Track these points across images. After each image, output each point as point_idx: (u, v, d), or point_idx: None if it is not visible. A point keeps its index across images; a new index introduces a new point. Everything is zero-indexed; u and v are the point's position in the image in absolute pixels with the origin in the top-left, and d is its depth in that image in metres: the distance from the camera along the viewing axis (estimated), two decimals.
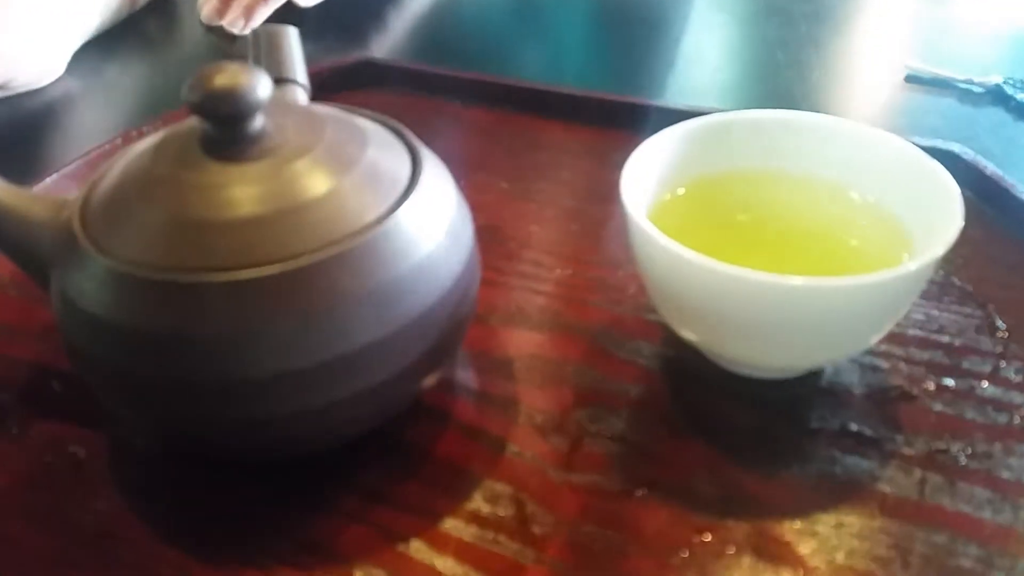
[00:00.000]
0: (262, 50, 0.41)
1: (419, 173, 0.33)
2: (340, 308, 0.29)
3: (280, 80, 0.41)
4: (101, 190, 0.33)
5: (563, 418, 0.36)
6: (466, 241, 0.35)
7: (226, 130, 0.31)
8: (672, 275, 0.34)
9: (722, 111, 0.53)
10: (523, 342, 0.40)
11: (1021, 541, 0.31)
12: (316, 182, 0.31)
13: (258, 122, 0.32)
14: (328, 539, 0.32)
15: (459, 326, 0.34)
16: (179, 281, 0.29)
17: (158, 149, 0.33)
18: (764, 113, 0.40)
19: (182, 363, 0.29)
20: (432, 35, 0.55)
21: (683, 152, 0.39)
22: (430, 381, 0.34)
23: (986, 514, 0.32)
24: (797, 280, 0.31)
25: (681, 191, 0.39)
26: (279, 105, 0.34)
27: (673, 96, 0.63)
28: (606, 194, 0.50)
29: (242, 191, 0.30)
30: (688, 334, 0.36)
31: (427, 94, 0.60)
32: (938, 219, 0.34)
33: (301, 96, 0.41)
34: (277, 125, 0.33)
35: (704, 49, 0.71)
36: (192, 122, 0.33)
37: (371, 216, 0.31)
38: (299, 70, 0.42)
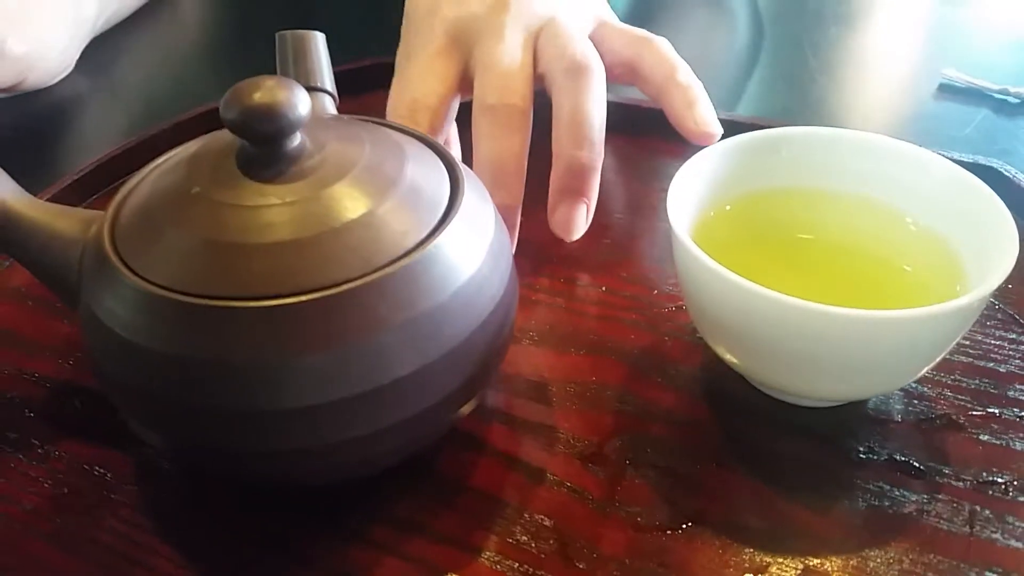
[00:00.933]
0: (289, 57, 0.40)
1: (459, 193, 0.32)
2: (378, 338, 0.28)
3: (308, 89, 0.40)
4: (131, 206, 0.32)
5: (603, 446, 0.35)
6: (506, 262, 0.34)
7: (264, 149, 0.30)
8: (718, 299, 0.33)
9: (758, 120, 0.53)
10: (558, 364, 0.39)
11: None
12: (356, 204, 0.30)
13: (297, 140, 0.31)
14: (360, 571, 0.31)
15: (499, 351, 0.33)
16: (213, 306, 0.28)
17: (191, 164, 0.32)
18: (815, 130, 0.39)
19: (213, 391, 0.28)
20: None
21: (730, 168, 0.38)
22: (467, 409, 0.33)
23: None
24: (848, 311, 0.30)
25: (728, 208, 0.38)
26: (316, 120, 0.33)
27: None
28: (641, 205, 0.49)
29: (280, 214, 0.29)
30: (731, 359, 0.35)
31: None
32: (992, 248, 0.33)
33: (329, 105, 0.40)
34: (316, 142, 0.31)
35: (732, 50, 0.70)
36: (226, 136, 0.32)
37: (411, 240, 0.30)
38: (327, 78, 0.41)
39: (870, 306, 0.30)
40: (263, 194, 0.30)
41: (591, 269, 0.45)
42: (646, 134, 0.54)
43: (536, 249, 0.46)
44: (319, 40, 0.41)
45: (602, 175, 0.52)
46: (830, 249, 0.38)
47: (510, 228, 0.43)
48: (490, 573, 0.31)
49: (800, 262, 0.38)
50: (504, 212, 0.40)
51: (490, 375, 0.33)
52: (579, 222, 0.44)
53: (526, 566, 0.31)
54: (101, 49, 0.68)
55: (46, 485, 0.35)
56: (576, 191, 0.43)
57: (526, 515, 0.33)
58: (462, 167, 0.34)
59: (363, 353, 0.28)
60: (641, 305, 0.42)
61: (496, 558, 0.31)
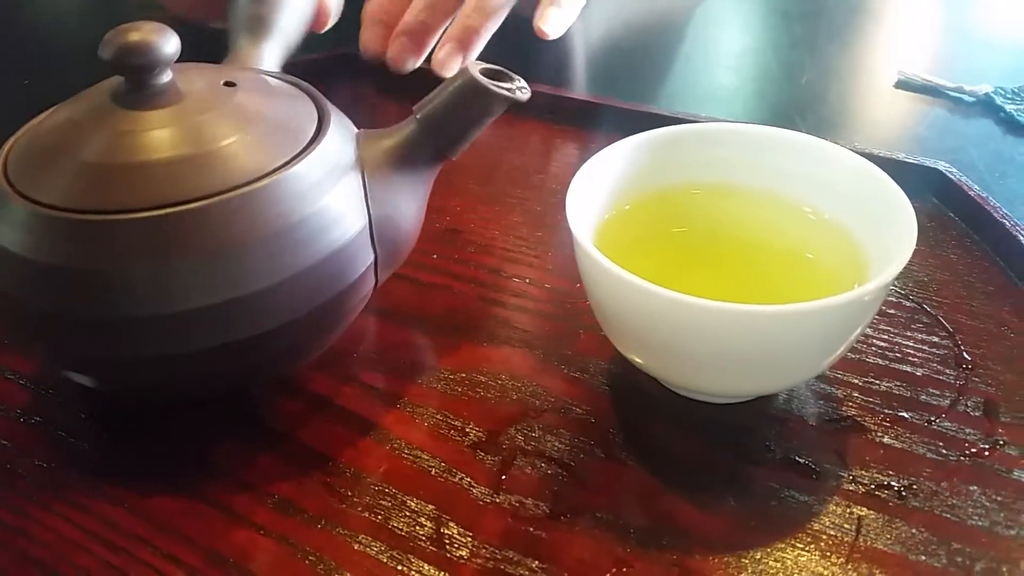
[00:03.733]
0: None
1: (323, 132, 0.35)
2: (233, 252, 0.31)
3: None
4: (22, 141, 0.35)
5: (498, 435, 0.35)
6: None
7: (134, 82, 0.33)
8: (615, 298, 0.33)
9: (701, 114, 0.52)
10: (469, 353, 0.39)
11: None
12: (219, 131, 0.32)
13: (166, 77, 0.33)
14: (237, 552, 0.31)
15: (359, 282, 0.35)
16: (82, 220, 0.31)
17: (76, 102, 0.35)
18: (716, 126, 0.38)
19: (92, 298, 0.31)
20: None
21: (633, 166, 0.38)
22: (325, 340, 0.36)
23: (921, 557, 0.31)
24: (739, 307, 0.30)
25: (628, 207, 0.38)
26: (198, 68, 0.36)
27: (657, 97, 0.61)
28: None
29: (145, 137, 0.32)
30: (633, 357, 0.35)
31: (404, 89, 0.59)
32: (893, 241, 0.33)
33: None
34: (188, 82, 0.34)
35: (694, 49, 0.69)
36: (112, 80, 0.34)
37: (268, 167, 0.32)
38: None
39: (775, 298, 0.30)
40: (131, 120, 0.32)
41: (518, 261, 0.45)
42: (591, 127, 0.54)
43: (468, 239, 0.46)
44: None
45: (544, 167, 0.52)
46: (734, 243, 0.38)
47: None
48: (360, 556, 0.31)
49: (704, 258, 0.38)
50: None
51: (346, 310, 0.35)
52: (454, 65, 0.56)
53: (397, 550, 0.31)
54: None
55: None
56: (461, 42, 0.56)
57: (407, 500, 0.33)
58: (333, 112, 0.36)
59: (223, 264, 0.31)
60: (561, 297, 0.42)
61: (369, 541, 0.32)
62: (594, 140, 0.54)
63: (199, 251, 0.30)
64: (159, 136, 0.32)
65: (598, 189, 0.36)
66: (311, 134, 0.34)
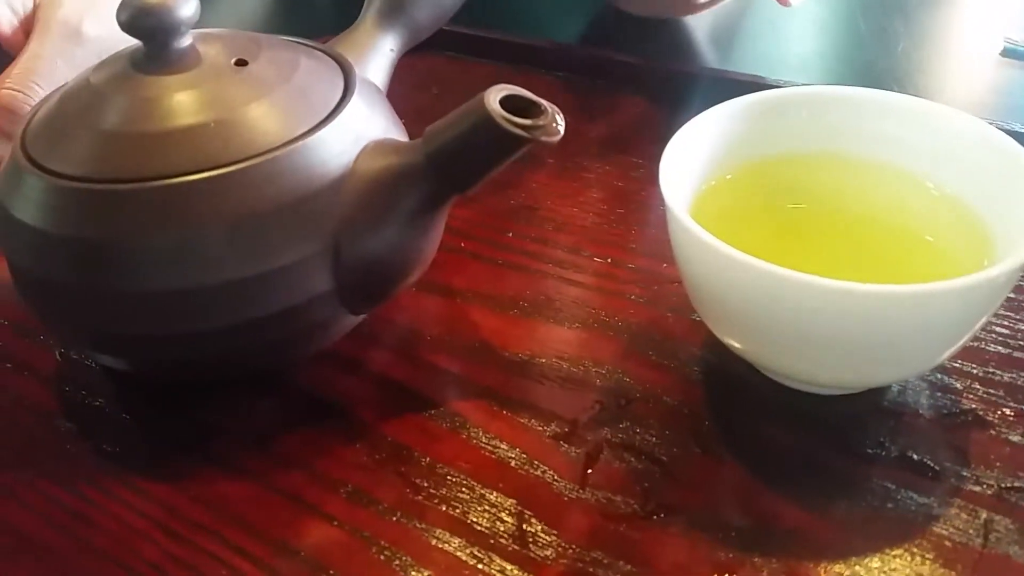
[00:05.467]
0: None
1: (348, 98, 0.33)
2: (255, 221, 0.29)
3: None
4: (41, 112, 0.33)
5: (583, 426, 0.33)
6: None
7: (152, 46, 0.32)
8: (713, 275, 0.30)
9: (794, 84, 0.49)
10: (549, 338, 0.37)
11: None
12: (240, 97, 0.31)
13: (185, 41, 0.32)
14: (308, 544, 0.30)
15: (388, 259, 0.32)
16: (96, 191, 0.30)
17: (96, 68, 0.33)
18: (824, 89, 0.35)
19: (104, 271, 0.30)
20: None
21: (732, 133, 0.35)
22: (353, 316, 0.34)
23: None
24: (854, 285, 0.27)
25: (729, 177, 0.35)
26: (220, 34, 0.35)
27: (743, 67, 0.58)
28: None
29: (162, 103, 0.31)
30: (732, 342, 0.32)
31: (470, 58, 0.57)
32: None
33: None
34: (211, 48, 0.33)
35: (779, 14, 0.65)
36: (130, 48, 0.33)
37: (289, 134, 0.31)
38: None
39: (888, 280, 0.27)
40: (149, 85, 0.31)
41: (599, 240, 0.42)
42: (674, 97, 0.51)
43: (544, 216, 0.44)
44: None
45: (625, 139, 0.49)
46: (845, 219, 0.35)
47: None
48: (437, 553, 0.29)
49: (811, 234, 0.35)
50: None
51: (385, 284, 0.33)
52: None
53: (477, 547, 0.29)
54: None
55: None
56: None
57: (488, 494, 0.31)
58: (360, 79, 0.35)
59: (243, 234, 0.29)
60: (645, 279, 0.39)
61: (447, 537, 0.29)
62: (678, 110, 0.50)
63: (220, 220, 0.29)
64: (177, 102, 0.31)
65: (694, 158, 0.34)
66: (335, 103, 0.33)
